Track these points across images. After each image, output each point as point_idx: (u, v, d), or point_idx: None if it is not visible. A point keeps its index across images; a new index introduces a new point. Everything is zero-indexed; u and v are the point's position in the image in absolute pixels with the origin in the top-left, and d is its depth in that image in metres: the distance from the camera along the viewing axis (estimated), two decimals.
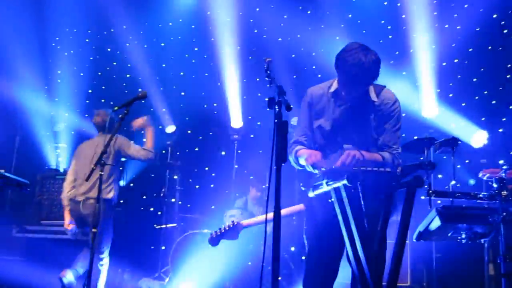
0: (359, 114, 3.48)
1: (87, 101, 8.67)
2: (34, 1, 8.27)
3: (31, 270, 6.15)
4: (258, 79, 8.39)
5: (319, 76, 7.86)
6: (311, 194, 3.25)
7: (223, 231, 4.61)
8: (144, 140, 5.70)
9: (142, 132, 5.75)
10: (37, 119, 8.27)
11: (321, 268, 3.41)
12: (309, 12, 8.54)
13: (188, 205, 8.10)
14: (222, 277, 6.09)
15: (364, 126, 3.48)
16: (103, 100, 8.52)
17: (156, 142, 5.85)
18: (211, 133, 8.78)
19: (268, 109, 2.69)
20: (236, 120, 8.31)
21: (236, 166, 7.49)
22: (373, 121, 3.48)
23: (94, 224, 4.06)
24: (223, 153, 8.41)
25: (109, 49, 8.89)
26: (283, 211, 4.71)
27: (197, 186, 8.54)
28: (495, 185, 3.80)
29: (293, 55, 8.42)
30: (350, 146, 3.40)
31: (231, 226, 4.63)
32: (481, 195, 3.80)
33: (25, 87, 8.13)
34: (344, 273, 3.48)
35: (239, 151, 7.54)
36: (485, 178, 4.83)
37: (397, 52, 8.03)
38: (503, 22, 7.67)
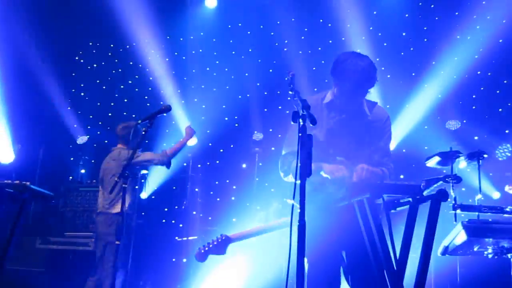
0: (353, 126, 3.50)
1: (110, 114, 8.76)
2: (58, 16, 8.41)
3: (54, 281, 6.20)
4: (279, 92, 8.41)
5: None
6: (340, 204, 3.24)
7: (211, 246, 4.51)
8: (172, 144, 5.82)
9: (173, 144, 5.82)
10: (60, 132, 8.38)
11: (324, 280, 3.38)
12: (329, 25, 8.55)
13: (209, 218, 8.10)
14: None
15: (357, 138, 3.51)
16: (125, 113, 8.60)
17: (178, 155, 5.90)
18: (232, 146, 8.80)
19: (292, 123, 2.70)
20: (257, 133, 8.31)
21: (257, 179, 7.48)
22: (366, 135, 3.50)
23: (117, 237, 4.08)
24: (244, 166, 8.41)
25: (131, 63, 8.98)
26: (270, 224, 4.65)
27: (218, 199, 8.54)
28: None
29: (314, 68, 8.42)
30: (342, 159, 3.41)
31: (219, 240, 4.51)
32: (508, 209, 3.74)
33: (49, 100, 8.25)
34: None
35: (260, 164, 7.53)
36: (511, 192, 4.75)
37: (418, 64, 7.98)
38: None
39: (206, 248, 4.49)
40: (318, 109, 3.54)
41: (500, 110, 7.61)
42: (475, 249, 3.84)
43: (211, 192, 8.47)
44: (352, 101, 3.46)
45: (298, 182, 3.37)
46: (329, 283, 3.39)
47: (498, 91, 7.68)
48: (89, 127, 8.62)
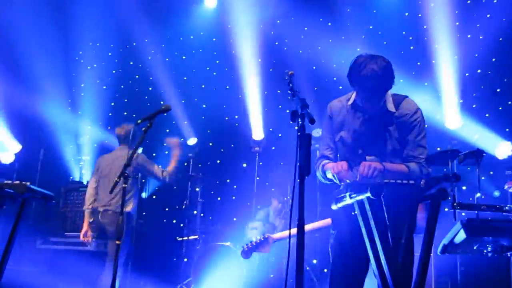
0: (378, 125, 3.48)
1: (110, 114, 8.77)
2: (58, 16, 8.42)
3: (55, 281, 6.21)
4: (279, 91, 8.41)
5: (340, 87, 7.83)
6: (334, 207, 3.24)
7: (254, 244, 4.70)
8: (170, 160, 6.01)
9: (166, 152, 5.92)
10: (60, 132, 8.40)
11: (346, 281, 3.39)
12: (329, 24, 8.55)
13: (210, 217, 8.11)
14: None
15: (384, 137, 3.48)
16: (125, 113, 8.61)
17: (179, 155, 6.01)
18: (232, 145, 8.80)
19: (291, 122, 2.70)
20: (257, 132, 8.31)
21: (258, 178, 7.49)
22: (394, 132, 3.47)
23: (118, 236, 4.08)
24: (244, 165, 8.41)
25: (131, 63, 8.99)
26: (311, 226, 4.74)
27: (218, 198, 8.55)
28: None
29: (314, 67, 8.42)
30: (373, 157, 3.39)
31: (262, 239, 4.73)
32: (507, 208, 3.73)
33: (49, 101, 8.26)
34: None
35: (260, 163, 7.54)
36: (510, 190, 4.75)
37: (418, 63, 7.98)
38: None
39: (250, 246, 4.71)
40: (343, 111, 3.56)
41: (500, 108, 7.61)
42: (475, 247, 3.83)
43: (212, 192, 8.47)
44: (371, 104, 3.45)
45: (338, 182, 3.39)
46: (352, 283, 3.39)
47: (498, 90, 7.68)
48: (89, 127, 8.62)
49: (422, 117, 3.56)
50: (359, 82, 3.35)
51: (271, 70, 8.62)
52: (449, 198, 3.36)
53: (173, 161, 6.01)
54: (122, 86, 9.02)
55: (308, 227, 4.83)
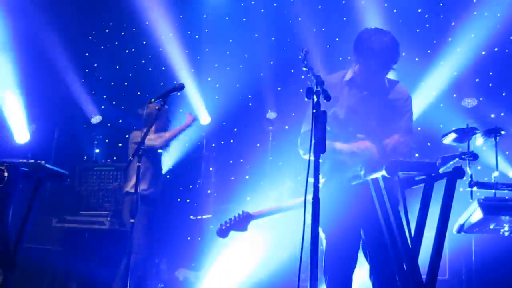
0: (373, 104, 3.49)
1: (123, 94, 8.77)
2: None
3: (70, 259, 6.28)
4: (292, 70, 8.35)
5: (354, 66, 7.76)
6: (353, 183, 3.23)
7: (232, 222, 4.54)
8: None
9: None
10: (74, 112, 8.43)
11: (341, 256, 3.41)
12: (344, 2, 8.44)
13: (223, 197, 8.13)
14: (257, 268, 6.11)
15: (378, 116, 3.49)
16: (138, 93, 8.62)
17: (192, 134, 5.91)
18: (245, 125, 8.78)
19: (306, 99, 2.67)
20: (271, 111, 8.28)
21: (271, 158, 7.48)
22: (386, 114, 3.50)
23: (132, 215, 4.09)
24: (258, 145, 8.40)
25: (144, 42, 8.96)
26: (290, 202, 4.65)
27: (232, 178, 8.56)
28: None
29: (328, 46, 8.33)
30: (363, 136, 3.39)
31: (241, 217, 4.54)
32: None
33: (63, 80, 8.28)
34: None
35: (274, 143, 7.52)
36: None
37: (434, 41, 7.86)
38: None
39: (228, 225, 4.55)
40: (338, 87, 3.53)
41: None
42: (491, 227, 3.81)
43: (225, 171, 8.48)
44: (376, 78, 3.44)
45: (313, 158, 3.38)
46: (346, 260, 3.41)
47: None
48: (103, 107, 8.64)
49: (411, 104, 3.61)
50: (369, 54, 3.33)
51: (284, 49, 8.54)
52: (465, 177, 3.34)
53: (177, 130, 5.82)
54: (135, 66, 9.00)
55: (290, 202, 4.79)
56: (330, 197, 3.36)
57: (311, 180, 3.14)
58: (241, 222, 4.56)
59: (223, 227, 4.53)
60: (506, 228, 3.75)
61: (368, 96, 3.49)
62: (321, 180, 3.39)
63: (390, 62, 3.38)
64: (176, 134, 5.75)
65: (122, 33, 8.90)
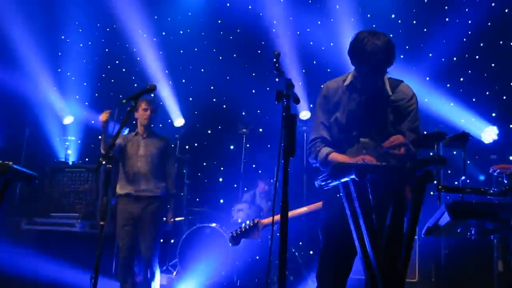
0: (374, 107, 3.44)
1: (96, 94, 8.69)
2: None
3: (40, 262, 6.18)
4: (267, 73, 8.37)
5: (328, 70, 7.82)
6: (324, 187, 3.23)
7: (243, 230, 4.57)
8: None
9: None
10: (46, 112, 8.31)
11: (335, 262, 3.38)
12: (318, 6, 8.49)
13: (197, 199, 8.11)
14: (229, 271, 6.10)
15: (379, 119, 3.44)
16: (112, 94, 8.54)
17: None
18: (219, 127, 8.77)
19: (276, 102, 2.67)
20: (245, 114, 8.28)
21: (245, 160, 7.48)
22: (389, 116, 3.44)
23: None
24: (231, 147, 8.40)
25: (118, 43, 8.89)
26: (301, 210, 4.67)
27: (205, 180, 8.54)
28: (505, 181, 3.76)
29: (303, 49, 8.38)
30: (367, 140, 3.37)
31: (251, 225, 4.57)
32: (491, 191, 3.76)
33: (34, 80, 8.16)
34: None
35: (247, 145, 7.52)
36: (495, 174, 4.78)
37: (407, 47, 7.97)
38: None
39: (239, 232, 4.54)
40: (339, 92, 3.49)
41: (487, 93, 7.64)
42: (459, 230, 3.85)
43: (199, 174, 8.46)
44: (372, 81, 3.41)
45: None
46: (340, 267, 3.38)
47: (485, 74, 7.70)
48: (75, 107, 8.54)
49: (417, 103, 3.53)
50: (362, 57, 3.29)
51: (259, 51, 8.57)
52: (435, 181, 3.37)
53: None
54: (108, 67, 8.93)
55: (298, 211, 4.80)
56: (331, 201, 3.36)
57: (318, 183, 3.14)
58: (253, 230, 4.58)
59: (234, 235, 4.55)
60: (473, 232, 3.80)
61: (368, 99, 3.43)
62: (322, 183, 3.37)
63: (383, 65, 3.31)
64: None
65: (96, 33, 8.81)
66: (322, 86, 3.61)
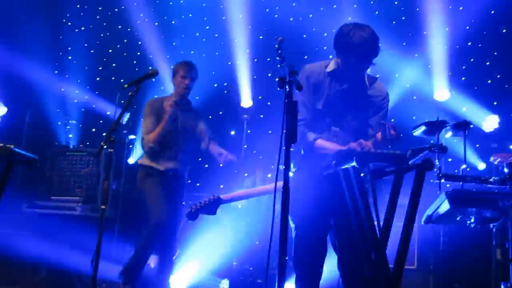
0: (352, 99, 3.51)
1: (98, 78, 8.67)
2: None
3: (40, 245, 6.21)
4: (269, 59, 8.34)
5: (330, 56, 7.74)
6: (325, 172, 3.26)
7: (202, 205, 4.49)
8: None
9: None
10: (48, 96, 8.30)
11: (310, 244, 3.44)
12: None
13: (197, 184, 8.12)
14: (229, 256, 6.13)
15: (353, 111, 3.51)
16: (113, 78, 8.52)
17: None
18: (220, 113, 8.76)
19: (278, 89, 2.68)
20: (246, 100, 8.27)
21: (245, 146, 7.48)
22: (362, 109, 3.53)
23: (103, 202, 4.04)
24: (232, 132, 8.39)
25: (120, 27, 8.85)
26: (260, 188, 4.65)
27: (206, 165, 8.54)
28: (506, 170, 3.78)
29: (305, 35, 8.34)
30: (337, 129, 3.43)
31: (211, 200, 4.46)
32: (491, 180, 3.78)
33: (36, 63, 8.14)
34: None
35: (248, 131, 7.52)
36: (495, 162, 4.79)
37: (410, 34, 7.93)
38: None
39: (198, 207, 4.48)
40: (320, 77, 3.53)
41: (489, 81, 7.62)
42: (458, 218, 3.89)
43: (199, 159, 8.46)
44: (355, 73, 3.45)
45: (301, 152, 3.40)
46: (315, 247, 3.43)
47: (488, 63, 7.67)
48: (76, 91, 8.53)
49: (388, 103, 3.66)
50: (348, 49, 3.33)
51: (261, 37, 8.52)
52: (435, 169, 3.39)
53: (162, 124, 5.07)
54: (110, 51, 8.89)
55: (260, 188, 4.79)
56: (301, 186, 3.39)
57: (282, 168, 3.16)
58: (210, 205, 4.46)
59: (192, 210, 4.47)
60: (472, 220, 3.83)
61: (347, 90, 3.49)
62: (293, 169, 3.42)
63: (368, 57, 3.38)
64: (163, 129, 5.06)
65: (97, 17, 8.77)
66: (305, 66, 3.62)
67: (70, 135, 7.85)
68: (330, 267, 3.70)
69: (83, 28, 8.76)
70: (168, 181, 5.13)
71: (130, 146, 7.20)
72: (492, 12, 7.52)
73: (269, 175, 7.07)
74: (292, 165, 3.41)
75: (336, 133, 3.44)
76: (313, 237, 3.43)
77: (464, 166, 4.69)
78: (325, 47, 7.97)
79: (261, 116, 8.37)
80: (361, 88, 3.52)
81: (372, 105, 3.54)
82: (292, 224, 3.49)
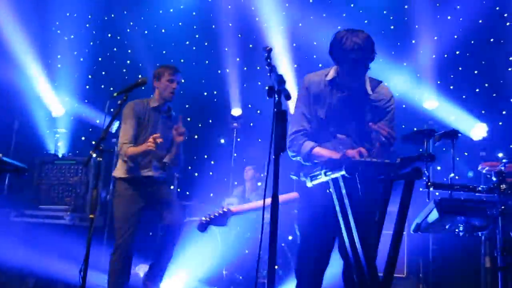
0: (354, 105, 3.48)
1: (87, 87, 8.65)
2: None
3: (28, 254, 6.16)
4: (258, 67, 8.37)
5: (320, 65, 7.81)
6: (309, 184, 3.25)
7: (212, 217, 4.53)
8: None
9: None
10: (36, 104, 8.26)
11: (314, 256, 3.43)
12: (311, 1, 8.50)
13: (187, 193, 8.10)
14: (219, 265, 6.11)
15: (357, 117, 3.48)
16: (103, 86, 8.51)
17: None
18: (210, 121, 8.76)
19: (267, 98, 2.68)
20: (236, 108, 8.29)
21: (235, 154, 7.49)
22: (367, 114, 3.48)
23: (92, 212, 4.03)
24: (222, 141, 8.39)
25: (109, 35, 8.85)
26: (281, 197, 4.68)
27: (196, 174, 8.53)
28: (494, 178, 3.80)
29: (294, 44, 8.38)
30: (344, 136, 3.42)
31: (221, 212, 4.54)
32: (480, 188, 3.79)
33: (25, 71, 8.10)
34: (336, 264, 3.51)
35: (238, 139, 7.53)
36: (484, 171, 4.82)
37: (398, 43, 8.00)
38: (505, 15, 7.64)
39: (208, 219, 4.51)
40: (321, 85, 3.52)
41: (477, 90, 7.69)
42: (447, 226, 3.90)
43: (189, 167, 8.45)
44: (353, 79, 3.44)
45: (307, 164, 3.39)
46: (319, 260, 3.42)
47: (476, 72, 7.75)
48: (66, 99, 8.50)
49: (394, 106, 3.59)
50: (342, 56, 3.33)
51: (251, 46, 8.55)
52: (424, 177, 3.40)
53: (142, 148, 4.62)
54: (100, 59, 8.87)
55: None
56: (309, 196, 3.38)
57: (309, 184, 3.16)
58: (221, 217, 4.53)
59: (203, 222, 4.52)
60: (461, 228, 3.85)
61: (348, 96, 3.47)
62: (302, 178, 3.39)
63: (362, 63, 3.36)
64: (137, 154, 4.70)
65: (87, 25, 8.76)
66: (304, 77, 3.63)
67: (59, 144, 7.80)
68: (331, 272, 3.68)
69: (72, 36, 8.73)
70: (146, 189, 4.81)
71: None
72: (480, 21, 7.60)
73: (259, 184, 7.08)
74: (301, 174, 3.40)
75: (342, 140, 3.42)
76: (317, 249, 3.40)
77: (452, 174, 4.72)
78: (314, 56, 8.02)
79: (251, 124, 8.39)
80: (363, 93, 3.49)
81: (376, 110, 3.49)
82: (297, 232, 3.50)
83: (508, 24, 7.61)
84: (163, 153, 4.88)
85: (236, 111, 8.28)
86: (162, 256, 4.92)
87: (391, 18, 8.21)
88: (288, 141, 3.52)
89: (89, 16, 8.74)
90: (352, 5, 8.34)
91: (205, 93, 8.71)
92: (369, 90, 3.50)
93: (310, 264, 3.43)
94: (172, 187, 5.60)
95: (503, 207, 3.64)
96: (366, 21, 8.06)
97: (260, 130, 7.82)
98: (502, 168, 3.88)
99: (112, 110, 4.21)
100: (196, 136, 8.77)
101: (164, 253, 4.90)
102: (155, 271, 4.89)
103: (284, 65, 7.87)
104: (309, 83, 3.57)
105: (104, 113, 5.56)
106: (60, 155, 7.19)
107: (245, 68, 8.45)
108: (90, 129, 8.28)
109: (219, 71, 8.48)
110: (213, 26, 8.51)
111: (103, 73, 8.84)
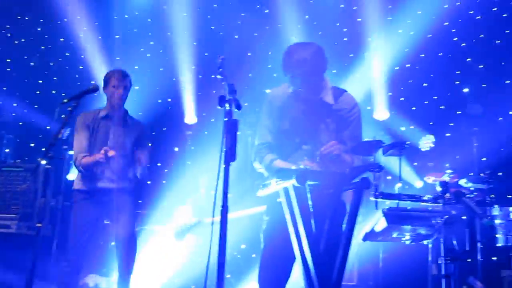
0: (316, 116, 3.51)
1: (37, 92, 8.45)
2: None
3: None
4: (213, 76, 8.35)
5: (275, 75, 7.89)
6: (260, 193, 3.27)
7: (188, 226, 4.69)
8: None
9: None
10: None
11: (276, 265, 3.43)
12: (266, 11, 8.57)
13: (140, 201, 7.98)
14: (171, 273, 6.07)
15: (321, 127, 3.51)
16: (54, 91, 8.33)
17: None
18: (164, 129, 8.70)
19: (218, 107, 2.70)
20: (190, 116, 8.26)
21: (189, 163, 7.45)
22: (331, 124, 3.52)
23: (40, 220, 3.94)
24: (176, 149, 8.35)
25: (62, 39, 8.68)
26: (243, 212, 4.75)
27: (148, 182, 8.43)
28: (439, 189, 3.92)
29: (249, 53, 8.43)
30: (309, 147, 3.45)
31: (196, 222, 4.72)
32: (425, 198, 3.91)
33: None
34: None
35: (192, 148, 7.50)
36: (430, 181, 4.96)
37: (351, 55, 8.15)
38: (453, 30, 7.89)
39: (184, 228, 4.64)
40: (284, 98, 3.55)
41: (426, 102, 7.90)
42: (394, 235, 4.00)
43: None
44: (309, 92, 3.46)
45: (266, 174, 3.41)
46: (280, 270, 3.41)
47: (425, 84, 7.96)
48: (15, 104, 8.28)
49: (360, 112, 3.64)
50: (290, 69, 3.39)
51: (206, 54, 8.56)
52: (372, 187, 3.47)
53: (94, 158, 4.59)
54: (51, 64, 8.70)
55: (240, 213, 4.87)
56: (274, 205, 3.38)
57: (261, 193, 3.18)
58: (197, 226, 4.91)
59: (179, 230, 4.65)
60: (408, 237, 3.95)
61: (311, 107, 3.49)
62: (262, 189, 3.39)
63: (312, 75, 3.40)
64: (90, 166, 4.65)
65: (39, 29, 8.58)
66: (268, 92, 3.67)
67: (7, 150, 7.59)
68: None
69: (23, 40, 8.53)
70: (101, 199, 4.72)
71: (70, 162, 7.03)
72: (429, 36, 7.83)
73: (212, 192, 7.06)
74: (260, 185, 3.40)
75: (308, 151, 3.45)
76: (280, 260, 3.39)
77: (399, 184, 4.83)
78: (269, 65, 8.08)
79: (205, 132, 8.36)
80: (324, 103, 3.51)
81: (340, 119, 3.52)
82: (262, 241, 3.50)
83: (455, 39, 7.86)
84: (120, 162, 4.73)
85: (190, 119, 8.25)
86: (120, 267, 4.86)
87: (344, 30, 8.36)
88: (253, 153, 3.58)
89: (41, 20, 8.56)
90: (306, 17, 8.45)
91: (159, 101, 8.64)
92: (331, 100, 3.52)
93: (272, 273, 3.43)
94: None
95: (446, 217, 3.76)
96: (320, 33, 8.18)
97: (215, 138, 7.80)
98: (447, 178, 4.01)
99: (62, 116, 4.14)
100: (149, 144, 8.67)
101: (121, 265, 4.82)
102: (119, 282, 4.86)
103: (238, 75, 7.89)
104: (272, 97, 3.61)
105: (54, 120, 5.47)
106: (7, 162, 7.01)
107: (200, 76, 8.44)
108: (40, 136, 8.10)
109: (173, 79, 8.43)
110: (169, 34, 8.47)
111: (55, 78, 8.66)
